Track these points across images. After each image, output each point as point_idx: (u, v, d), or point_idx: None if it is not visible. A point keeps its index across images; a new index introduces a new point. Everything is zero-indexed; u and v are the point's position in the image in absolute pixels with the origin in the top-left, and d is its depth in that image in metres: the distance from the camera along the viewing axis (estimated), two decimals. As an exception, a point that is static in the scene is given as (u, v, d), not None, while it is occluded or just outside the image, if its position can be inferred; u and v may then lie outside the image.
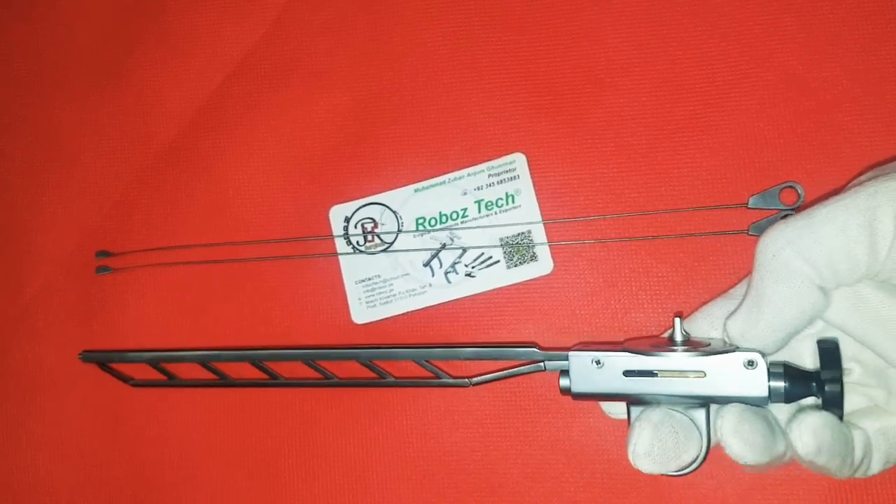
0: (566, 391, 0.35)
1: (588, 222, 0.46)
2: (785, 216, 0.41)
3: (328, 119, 0.50)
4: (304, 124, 0.51)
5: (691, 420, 0.34)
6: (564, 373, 0.35)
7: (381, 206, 0.48)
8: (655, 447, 0.33)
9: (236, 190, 0.51)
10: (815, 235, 0.32)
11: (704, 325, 0.38)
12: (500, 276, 0.46)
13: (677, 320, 0.35)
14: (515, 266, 0.46)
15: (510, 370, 0.39)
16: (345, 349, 0.42)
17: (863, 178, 0.36)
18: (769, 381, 0.33)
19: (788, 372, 0.33)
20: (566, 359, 0.35)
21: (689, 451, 0.33)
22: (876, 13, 0.46)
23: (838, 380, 0.32)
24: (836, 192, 0.35)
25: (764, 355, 0.34)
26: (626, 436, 0.34)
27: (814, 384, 0.32)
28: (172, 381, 0.46)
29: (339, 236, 0.48)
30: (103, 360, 0.46)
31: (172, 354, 0.45)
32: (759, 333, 0.33)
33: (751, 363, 0.33)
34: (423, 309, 0.47)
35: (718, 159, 0.46)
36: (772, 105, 0.46)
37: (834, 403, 0.32)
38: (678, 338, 0.35)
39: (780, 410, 0.35)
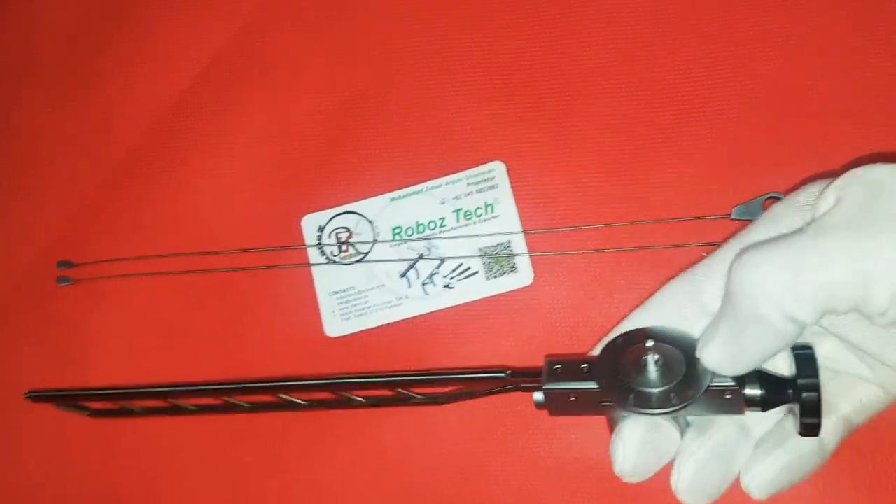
0: (541, 406, 0.34)
1: (569, 232, 0.45)
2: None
3: (300, 124, 0.49)
4: (276, 130, 0.49)
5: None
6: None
7: (356, 215, 0.47)
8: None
9: (205, 198, 0.50)
10: (808, 284, 0.27)
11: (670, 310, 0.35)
12: (479, 288, 0.45)
13: (649, 359, 0.33)
14: (495, 277, 0.45)
15: (484, 391, 0.38)
16: (310, 381, 0.39)
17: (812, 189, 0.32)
18: (745, 389, 0.32)
19: (764, 378, 0.32)
20: (538, 376, 0.34)
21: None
22: (860, 20, 0.45)
23: (816, 387, 0.31)
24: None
25: None
26: (611, 447, 0.33)
27: (790, 391, 0.31)
28: (131, 412, 0.43)
29: (312, 246, 0.47)
30: (52, 400, 0.44)
31: (127, 392, 0.42)
32: (738, 369, 0.31)
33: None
34: (399, 321, 0.46)
35: (701, 168, 0.45)
36: (755, 114, 0.45)
37: (811, 412, 0.31)
38: (651, 375, 0.33)
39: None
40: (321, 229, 0.47)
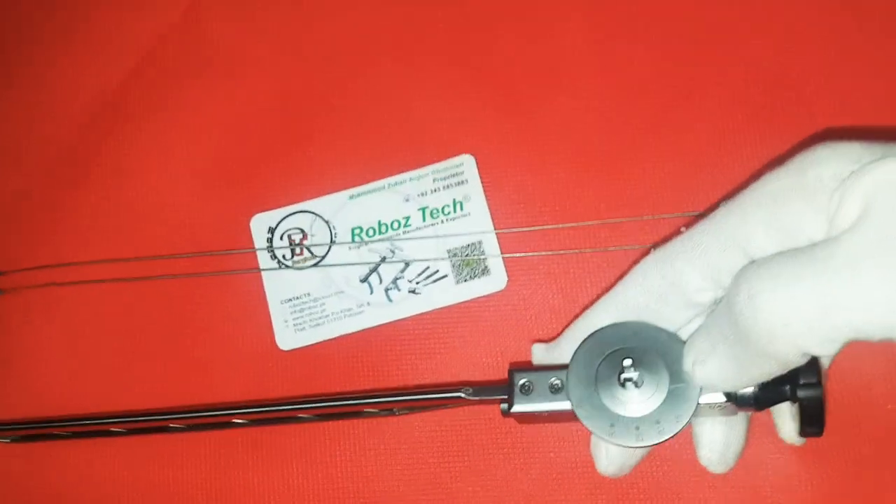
0: (506, 413, 0.32)
1: (545, 232, 0.42)
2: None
3: (248, 117, 0.45)
4: (221, 123, 0.46)
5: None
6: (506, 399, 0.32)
7: (310, 215, 0.43)
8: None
9: (143, 198, 0.46)
10: (840, 326, 0.24)
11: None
12: (448, 293, 0.41)
13: (628, 382, 0.30)
14: (465, 281, 0.42)
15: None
16: (252, 408, 0.36)
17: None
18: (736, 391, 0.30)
19: None
20: (504, 393, 0.32)
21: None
22: (843, 9, 0.43)
23: (819, 397, 0.28)
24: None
25: None
26: (592, 447, 0.32)
27: (787, 388, 0.29)
28: (57, 435, 0.39)
29: (262, 249, 0.43)
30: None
31: (43, 424, 0.39)
32: (735, 388, 0.30)
33: None
34: (360, 331, 0.42)
35: (686, 162, 0.43)
36: (736, 105, 0.43)
37: (814, 420, 0.29)
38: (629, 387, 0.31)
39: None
40: (272, 231, 0.43)
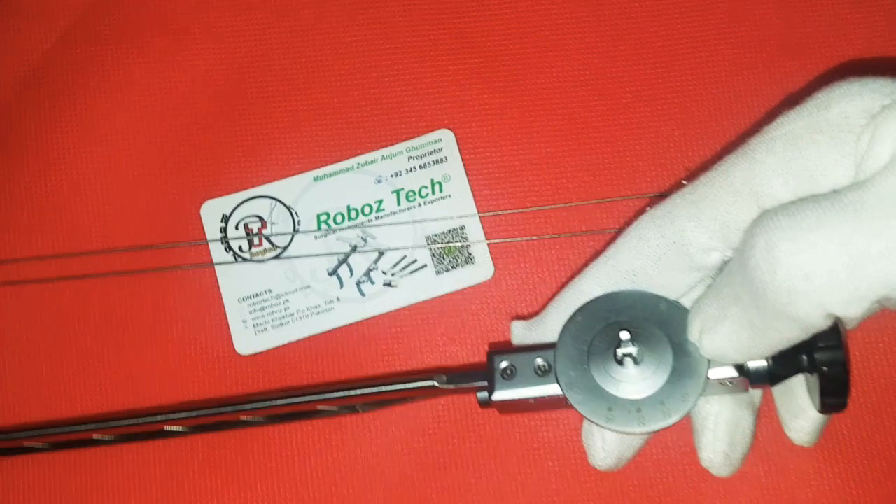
0: (487, 405, 0.29)
1: (535, 214, 0.39)
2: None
3: (196, 90, 0.41)
4: (164, 98, 0.41)
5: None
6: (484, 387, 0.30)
7: (270, 200, 0.39)
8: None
9: (75, 185, 0.41)
10: (871, 283, 0.21)
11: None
12: (428, 285, 0.38)
13: (624, 334, 0.28)
14: (447, 271, 0.38)
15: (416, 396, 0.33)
16: (186, 412, 0.32)
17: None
18: (748, 364, 0.27)
19: None
20: (483, 379, 0.29)
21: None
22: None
23: (841, 361, 0.25)
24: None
25: None
26: (585, 436, 0.30)
27: (803, 358, 0.27)
28: None
29: (215, 241, 0.39)
30: None
31: None
32: (748, 359, 0.27)
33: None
34: (329, 331, 0.38)
35: (686, 135, 0.39)
36: (743, 69, 0.39)
37: (837, 391, 0.26)
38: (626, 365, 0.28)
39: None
40: (226, 219, 0.39)
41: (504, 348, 0.30)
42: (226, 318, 0.38)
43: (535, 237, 0.38)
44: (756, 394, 0.31)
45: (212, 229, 0.39)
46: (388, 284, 0.38)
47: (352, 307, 0.38)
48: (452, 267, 0.38)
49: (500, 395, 0.29)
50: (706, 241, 0.26)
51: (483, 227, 0.38)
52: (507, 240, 0.38)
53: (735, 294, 0.24)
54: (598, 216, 0.38)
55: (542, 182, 0.39)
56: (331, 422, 0.36)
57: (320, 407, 0.31)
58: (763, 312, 0.23)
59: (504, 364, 0.29)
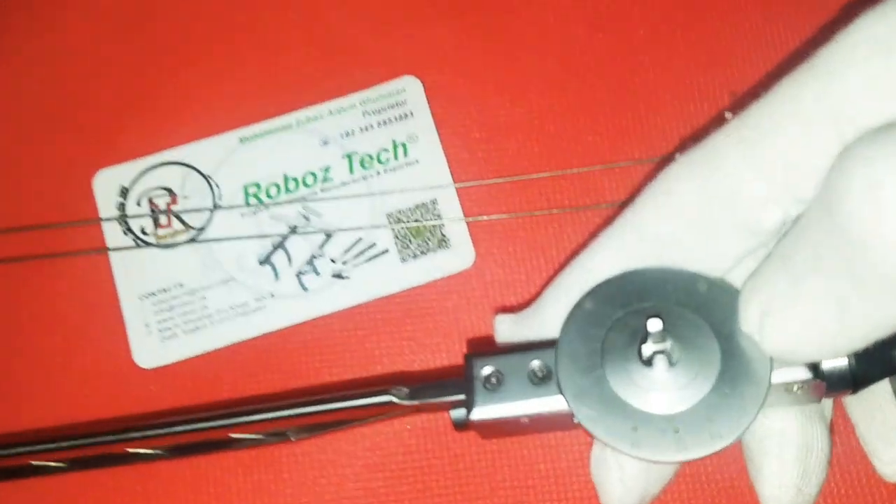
0: (464, 427, 0.24)
1: (526, 184, 0.33)
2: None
3: (88, 31, 0.35)
4: (47, 42, 0.35)
5: None
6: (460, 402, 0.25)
7: (182, 168, 0.33)
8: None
9: None
10: None
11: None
12: (391, 276, 0.31)
13: (658, 357, 0.22)
14: (414, 258, 0.32)
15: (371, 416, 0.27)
16: (67, 440, 0.25)
17: None
18: (822, 362, 0.22)
19: None
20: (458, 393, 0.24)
21: None
22: None
23: None
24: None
25: None
26: (595, 470, 0.24)
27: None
28: None
29: (111, 220, 0.32)
30: None
31: None
32: (833, 353, 0.22)
33: None
34: (260, 337, 0.31)
35: (712, 83, 0.34)
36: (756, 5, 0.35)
37: None
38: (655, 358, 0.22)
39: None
40: (125, 192, 0.32)
41: (487, 350, 0.24)
42: (122, 321, 0.31)
43: (526, 213, 0.33)
44: (826, 404, 0.25)
45: (106, 206, 0.32)
46: (339, 276, 0.31)
47: (290, 305, 0.31)
48: (422, 252, 0.32)
49: (481, 411, 0.23)
50: (764, 193, 0.21)
51: (460, 202, 0.33)
52: (491, 217, 0.33)
53: (815, 260, 0.20)
54: (605, 186, 0.33)
55: (534, 144, 0.33)
56: (256, 454, 0.29)
57: (234, 435, 0.25)
58: (861, 282, 0.19)
59: (487, 370, 0.23)
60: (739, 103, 0.22)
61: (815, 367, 0.22)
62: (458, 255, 0.31)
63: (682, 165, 0.23)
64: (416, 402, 0.24)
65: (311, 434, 0.27)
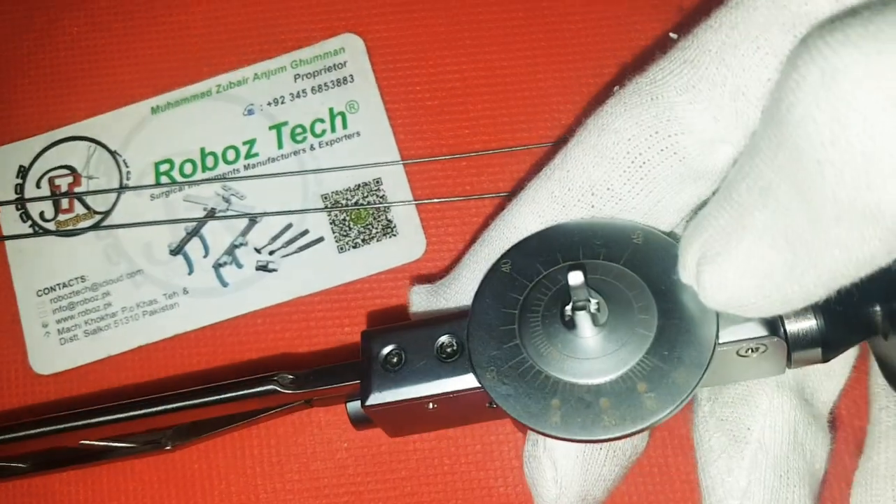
0: (361, 423, 0.21)
1: (486, 161, 0.28)
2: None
3: None
4: None
5: None
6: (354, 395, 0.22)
7: (87, 143, 0.29)
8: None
9: None
10: None
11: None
12: (327, 268, 0.28)
13: (579, 314, 0.19)
14: (354, 247, 0.27)
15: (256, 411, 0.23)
16: None
17: None
18: (787, 324, 0.19)
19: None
20: (351, 374, 0.21)
21: None
22: None
23: None
24: None
25: None
26: (527, 467, 0.21)
27: (877, 310, 0.19)
28: None
29: (7, 203, 0.29)
30: None
31: None
32: (783, 307, 0.17)
33: None
34: (171, 339, 0.27)
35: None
36: None
37: None
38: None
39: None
40: (23, 173, 0.29)
41: (390, 326, 0.21)
42: (18, 320, 0.28)
43: (486, 195, 0.28)
44: (819, 456, 0.20)
45: (2, 188, 0.29)
46: (265, 268, 0.27)
47: (207, 303, 0.27)
48: (364, 241, 0.27)
49: (378, 396, 0.20)
50: (710, 126, 0.18)
51: (409, 182, 0.29)
52: (445, 199, 0.28)
53: (760, 187, 0.16)
54: None
55: (498, 113, 0.29)
56: (133, 466, 0.25)
57: (84, 441, 0.21)
58: (815, 210, 0.15)
59: (388, 349, 0.20)
60: (689, 22, 0.18)
61: (772, 325, 0.19)
62: (406, 245, 0.28)
63: (618, 98, 0.19)
64: (303, 390, 0.21)
65: (189, 440, 0.23)
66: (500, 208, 0.27)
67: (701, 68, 0.18)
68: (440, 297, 0.22)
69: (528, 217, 0.21)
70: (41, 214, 0.28)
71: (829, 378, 0.21)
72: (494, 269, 0.20)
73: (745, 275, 0.17)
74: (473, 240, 0.27)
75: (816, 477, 0.20)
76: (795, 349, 0.19)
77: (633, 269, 0.20)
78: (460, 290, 0.22)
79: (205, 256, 0.27)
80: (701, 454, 0.20)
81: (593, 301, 0.19)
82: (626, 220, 0.20)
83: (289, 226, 0.27)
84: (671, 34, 0.19)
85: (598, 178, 0.20)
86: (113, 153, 0.28)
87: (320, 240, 0.27)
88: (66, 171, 0.28)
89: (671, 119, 0.18)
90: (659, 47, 0.19)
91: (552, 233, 0.20)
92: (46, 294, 0.27)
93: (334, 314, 0.27)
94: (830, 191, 0.15)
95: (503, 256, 0.21)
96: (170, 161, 0.28)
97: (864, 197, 0.14)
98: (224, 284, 0.27)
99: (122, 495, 0.26)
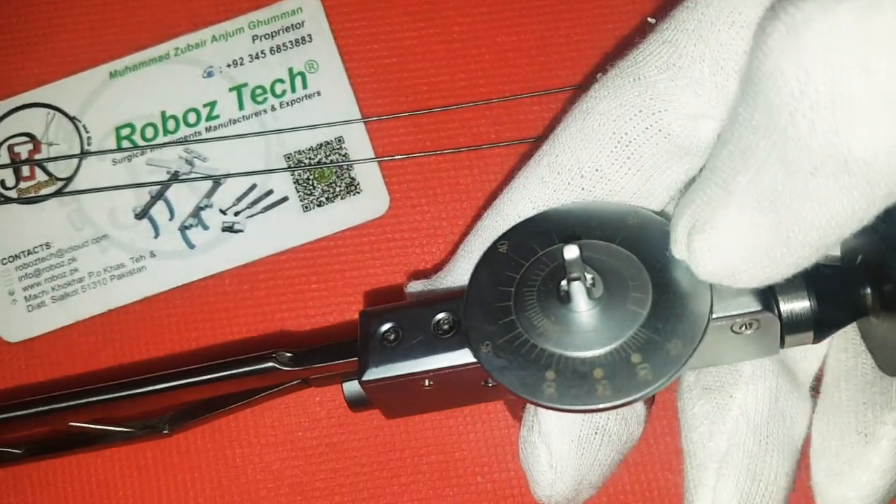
0: (359, 405, 0.22)
1: (447, 117, 0.28)
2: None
3: None
4: None
5: None
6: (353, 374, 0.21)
7: (45, 110, 0.28)
8: None
9: None
10: None
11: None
12: (292, 228, 0.27)
13: (575, 285, 0.19)
14: (319, 206, 0.27)
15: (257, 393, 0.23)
16: None
17: None
18: (781, 303, 0.19)
19: (814, 276, 0.19)
20: (349, 352, 0.21)
21: None
22: None
23: None
24: None
25: None
26: (522, 453, 0.21)
27: (867, 292, 0.19)
28: None
29: None
30: None
31: None
32: (773, 274, 0.17)
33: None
34: (139, 302, 0.27)
35: None
36: None
37: None
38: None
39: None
40: None
41: (387, 305, 0.21)
42: None
43: (448, 150, 0.28)
44: (799, 423, 0.21)
45: None
46: (230, 229, 0.27)
47: (174, 265, 0.27)
48: (327, 199, 0.27)
49: (375, 371, 0.20)
50: (692, 101, 0.18)
51: (371, 140, 0.28)
52: (407, 156, 0.28)
53: (742, 151, 0.16)
54: (537, 117, 0.28)
55: (457, 70, 0.29)
56: (126, 452, 0.25)
57: (74, 423, 0.20)
58: (792, 161, 0.15)
59: (385, 326, 0.20)
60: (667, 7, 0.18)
61: (766, 301, 0.19)
62: (370, 202, 0.27)
63: (602, 82, 0.19)
64: (301, 367, 0.20)
65: (186, 424, 0.23)
66: (462, 165, 0.28)
67: (680, 46, 0.18)
68: (438, 287, 0.22)
69: (520, 204, 0.21)
70: (2, 182, 0.27)
71: (811, 348, 0.21)
72: (491, 249, 0.21)
73: (733, 240, 0.17)
74: (446, 199, 0.27)
75: (796, 444, 0.20)
76: (788, 328, 0.19)
77: (628, 247, 0.20)
78: (456, 282, 0.22)
79: (170, 219, 0.27)
80: (685, 421, 0.20)
81: (588, 275, 0.19)
82: (623, 204, 0.20)
83: (253, 186, 0.27)
84: (649, 19, 0.19)
85: (586, 160, 0.20)
86: (72, 119, 0.27)
87: (285, 199, 0.27)
88: (25, 139, 0.27)
89: (654, 97, 0.19)
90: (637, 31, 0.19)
91: (549, 216, 0.20)
92: (11, 262, 0.26)
93: (302, 272, 0.27)
94: (804, 142, 0.15)
95: (500, 238, 0.21)
96: (131, 125, 0.27)
97: (834, 142, 0.14)
98: (191, 246, 0.26)
99: (122, 480, 0.25)
